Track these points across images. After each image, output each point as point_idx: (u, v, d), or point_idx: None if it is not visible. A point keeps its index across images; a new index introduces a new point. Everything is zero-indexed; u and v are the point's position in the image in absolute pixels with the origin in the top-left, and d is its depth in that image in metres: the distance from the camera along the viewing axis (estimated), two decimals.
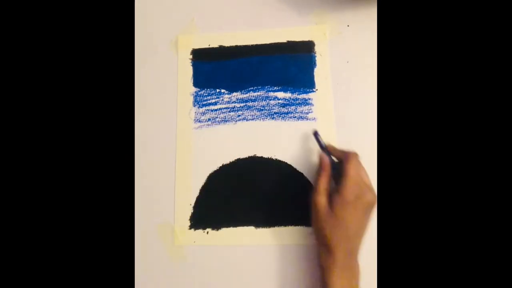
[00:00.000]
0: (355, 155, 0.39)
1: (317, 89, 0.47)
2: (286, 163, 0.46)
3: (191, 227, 0.45)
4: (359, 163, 0.39)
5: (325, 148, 0.42)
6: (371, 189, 0.38)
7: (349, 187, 0.36)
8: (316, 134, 0.42)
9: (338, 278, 0.36)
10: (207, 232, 0.45)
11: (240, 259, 0.43)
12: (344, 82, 0.47)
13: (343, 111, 0.46)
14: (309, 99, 0.47)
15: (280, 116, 0.47)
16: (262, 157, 0.46)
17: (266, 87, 0.48)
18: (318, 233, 0.38)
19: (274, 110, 0.47)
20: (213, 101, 0.48)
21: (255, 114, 0.47)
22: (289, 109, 0.47)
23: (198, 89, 0.49)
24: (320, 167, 0.40)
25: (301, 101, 0.47)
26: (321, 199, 0.38)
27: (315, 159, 0.45)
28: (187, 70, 0.50)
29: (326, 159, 0.40)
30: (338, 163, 0.40)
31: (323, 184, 0.39)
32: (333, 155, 0.41)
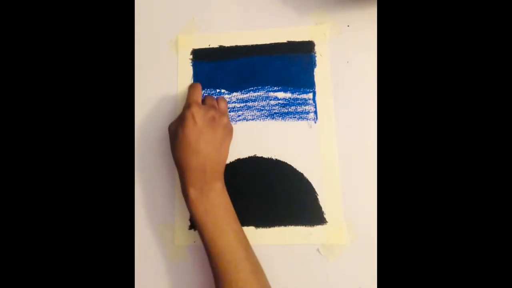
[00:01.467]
0: (194, 85, 0.44)
1: (317, 89, 0.47)
2: (286, 163, 0.46)
3: (191, 227, 0.45)
4: (197, 90, 0.43)
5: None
6: (211, 107, 0.41)
7: (185, 106, 0.40)
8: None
9: (192, 195, 0.38)
10: None
11: None
12: (344, 82, 0.47)
13: (343, 111, 0.46)
14: (309, 99, 0.47)
15: (280, 116, 0.47)
16: (262, 157, 0.46)
17: (266, 87, 0.48)
18: (173, 158, 0.40)
19: (274, 110, 0.47)
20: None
21: (255, 114, 0.47)
22: (289, 109, 0.47)
23: None
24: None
25: (301, 101, 0.47)
26: (172, 126, 0.41)
27: (315, 159, 0.45)
28: (187, 70, 0.50)
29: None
30: None
31: (179, 116, 0.41)
32: None
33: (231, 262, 0.36)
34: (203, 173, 0.38)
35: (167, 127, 0.48)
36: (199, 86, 0.44)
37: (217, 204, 0.38)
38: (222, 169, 0.41)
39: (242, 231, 0.39)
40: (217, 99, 0.45)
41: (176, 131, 0.40)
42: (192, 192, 0.38)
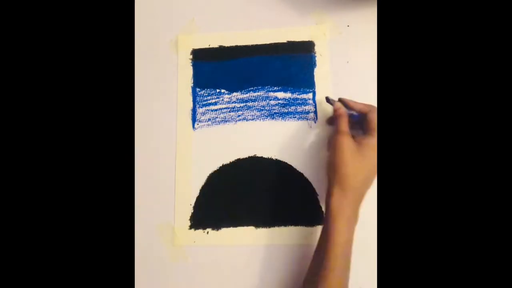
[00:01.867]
0: (375, 108, 0.41)
1: (317, 89, 0.47)
2: (286, 163, 0.46)
3: (191, 227, 0.45)
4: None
5: (342, 100, 0.43)
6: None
7: (373, 133, 0.39)
8: (328, 98, 0.44)
9: (347, 221, 0.37)
10: (207, 232, 0.45)
11: (240, 259, 0.43)
12: (344, 82, 0.47)
13: None
14: (309, 99, 0.47)
15: (280, 116, 0.47)
16: (262, 157, 0.46)
17: (266, 87, 0.48)
18: (338, 172, 0.38)
19: (274, 110, 0.47)
20: (213, 101, 0.48)
21: (255, 114, 0.47)
22: (289, 109, 0.47)
23: (198, 89, 0.49)
24: (335, 114, 0.42)
25: (301, 101, 0.47)
26: (345, 138, 0.39)
27: (315, 159, 0.45)
28: (187, 70, 0.50)
29: (339, 105, 0.42)
30: (360, 115, 0.42)
31: (343, 126, 0.40)
32: (354, 107, 0.42)
33: (345, 256, 0.37)
34: (359, 202, 0.39)
35: (167, 127, 0.48)
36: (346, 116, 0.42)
37: (352, 240, 0.39)
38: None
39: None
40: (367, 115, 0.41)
41: (363, 152, 0.39)
42: (348, 215, 0.38)
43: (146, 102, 0.49)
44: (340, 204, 0.37)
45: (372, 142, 0.39)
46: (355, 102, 0.43)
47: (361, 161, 0.38)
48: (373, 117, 0.40)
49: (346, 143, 0.39)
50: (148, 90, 0.50)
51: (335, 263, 0.36)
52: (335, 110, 0.42)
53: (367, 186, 0.39)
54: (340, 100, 0.43)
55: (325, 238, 0.37)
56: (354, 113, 0.42)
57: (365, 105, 0.42)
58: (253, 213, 0.44)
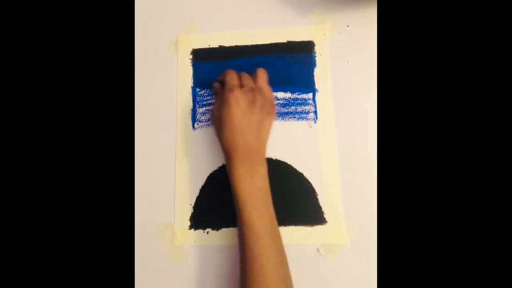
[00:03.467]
0: (229, 71, 0.44)
1: (317, 89, 0.47)
2: (286, 163, 0.46)
3: (191, 227, 0.45)
4: (234, 74, 0.44)
5: (220, 81, 0.46)
6: (251, 89, 0.42)
7: (226, 90, 0.41)
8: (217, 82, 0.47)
9: (239, 176, 0.39)
10: (207, 232, 0.45)
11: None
12: (344, 82, 0.47)
13: (343, 111, 0.46)
14: (309, 99, 0.47)
15: (280, 116, 0.47)
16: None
17: None
18: (220, 140, 0.42)
19: None
20: (213, 101, 0.48)
21: None
22: (289, 109, 0.47)
23: (198, 89, 0.49)
24: (214, 91, 0.47)
25: (301, 101, 0.47)
26: (215, 111, 0.43)
27: (315, 159, 0.45)
28: (187, 70, 0.50)
29: (216, 83, 0.46)
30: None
31: (216, 103, 0.44)
32: (222, 78, 0.45)
33: (263, 248, 0.37)
34: (249, 154, 0.40)
35: (167, 127, 0.48)
36: (234, 72, 0.45)
37: (260, 188, 0.39)
38: (264, 151, 0.42)
39: (276, 220, 0.40)
40: (254, 73, 0.44)
41: (220, 114, 0.41)
42: (240, 171, 0.39)
43: (146, 102, 0.49)
44: (227, 166, 0.40)
45: (222, 101, 0.41)
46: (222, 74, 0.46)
47: (222, 120, 0.41)
48: (226, 78, 0.43)
49: (214, 114, 0.44)
50: (148, 90, 0.50)
51: (257, 256, 0.37)
52: (214, 89, 0.47)
53: (243, 137, 0.40)
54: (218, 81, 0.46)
55: (233, 197, 0.40)
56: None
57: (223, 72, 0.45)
58: None
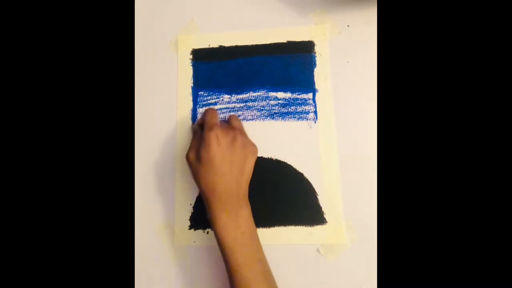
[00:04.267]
0: (209, 109, 0.44)
1: (317, 89, 0.47)
2: (286, 163, 0.46)
3: (191, 227, 0.45)
4: (214, 113, 0.43)
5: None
6: (232, 128, 0.41)
7: (206, 129, 0.39)
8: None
9: (222, 221, 0.37)
10: (207, 232, 0.45)
11: None
12: (344, 82, 0.47)
13: (343, 111, 0.46)
14: (309, 99, 0.47)
15: (280, 116, 0.47)
16: (262, 157, 0.46)
17: (266, 87, 0.48)
18: (197, 185, 0.40)
19: (274, 110, 0.47)
20: (213, 101, 0.48)
21: (255, 114, 0.47)
22: (289, 109, 0.47)
23: (198, 89, 0.49)
24: (192, 132, 0.46)
25: (301, 101, 0.47)
26: (191, 153, 0.40)
27: (315, 159, 0.45)
28: (187, 70, 0.50)
29: (194, 125, 0.46)
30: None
31: (193, 143, 0.42)
32: (200, 122, 0.45)
33: None
34: (230, 197, 0.38)
35: (167, 127, 0.48)
36: (215, 110, 0.44)
37: (246, 232, 0.38)
38: (246, 191, 0.40)
39: (266, 261, 0.38)
40: (228, 119, 0.45)
41: (198, 155, 0.39)
42: (222, 218, 0.37)
43: (146, 102, 0.49)
44: (208, 211, 0.38)
45: (202, 142, 0.39)
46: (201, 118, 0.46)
47: (201, 163, 0.38)
48: (204, 118, 0.43)
49: (191, 156, 0.40)
50: (148, 90, 0.50)
51: (233, 259, 0.36)
52: (192, 130, 0.46)
53: (224, 180, 0.38)
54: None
55: (219, 246, 0.38)
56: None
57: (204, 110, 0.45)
58: (253, 213, 0.44)
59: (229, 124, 0.43)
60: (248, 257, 0.37)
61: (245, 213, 0.39)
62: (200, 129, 0.43)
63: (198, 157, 0.39)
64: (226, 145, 0.38)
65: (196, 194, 0.46)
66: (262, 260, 0.38)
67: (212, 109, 0.44)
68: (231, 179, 0.38)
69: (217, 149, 0.38)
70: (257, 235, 0.39)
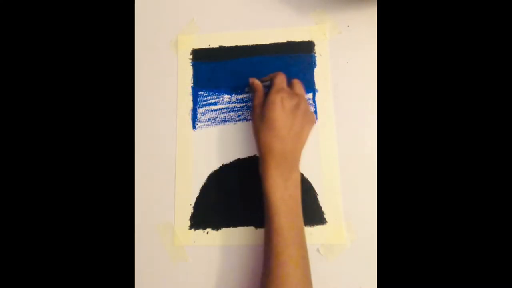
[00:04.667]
0: (279, 73, 0.44)
1: (317, 89, 0.47)
2: None
3: (191, 227, 0.45)
4: (284, 77, 0.43)
5: (257, 80, 0.46)
6: (296, 94, 0.42)
7: (273, 91, 0.41)
8: (249, 85, 0.47)
9: (273, 181, 0.38)
10: (207, 232, 0.45)
11: (240, 259, 0.43)
12: (344, 82, 0.47)
13: (343, 111, 0.46)
14: (309, 99, 0.47)
15: None
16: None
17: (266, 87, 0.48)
18: (256, 141, 0.41)
19: None
20: (213, 101, 0.48)
21: None
22: None
23: (198, 89, 0.49)
24: (253, 88, 0.45)
25: None
26: (256, 109, 0.42)
27: (315, 159, 0.45)
28: (187, 70, 0.50)
29: (256, 81, 0.45)
30: (270, 81, 0.44)
31: (257, 100, 0.43)
32: (265, 79, 0.46)
33: (291, 257, 0.36)
34: (285, 159, 0.39)
35: (167, 127, 0.48)
36: (284, 75, 0.44)
37: (293, 195, 0.39)
38: (299, 157, 0.41)
39: (304, 230, 0.39)
40: (291, 84, 0.44)
41: (262, 113, 0.40)
42: (274, 176, 0.38)
43: (146, 102, 0.49)
44: (261, 168, 0.40)
45: (267, 101, 0.40)
46: (265, 77, 0.46)
47: (264, 122, 0.40)
48: (273, 78, 0.43)
49: (256, 113, 0.42)
50: (148, 90, 0.50)
51: (276, 219, 0.37)
52: (252, 85, 0.46)
53: (285, 141, 0.39)
54: (253, 82, 0.46)
55: (264, 201, 0.39)
56: (266, 84, 0.45)
57: (272, 73, 0.45)
58: (253, 213, 0.44)
59: (293, 90, 0.43)
60: (291, 220, 0.38)
61: (296, 177, 0.40)
62: (263, 87, 0.45)
63: (262, 116, 0.40)
64: (290, 109, 0.40)
65: (196, 194, 0.46)
66: (302, 229, 0.39)
67: (282, 73, 0.43)
68: (289, 142, 0.39)
69: (281, 111, 0.39)
70: (301, 204, 0.40)
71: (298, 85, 0.44)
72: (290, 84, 0.44)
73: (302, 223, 0.39)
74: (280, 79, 0.43)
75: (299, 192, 0.40)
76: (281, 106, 0.39)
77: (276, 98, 0.39)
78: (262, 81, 0.45)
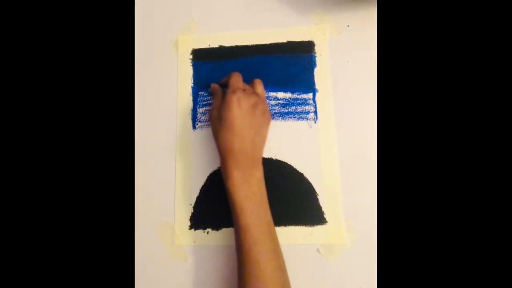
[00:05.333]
0: (235, 73, 0.44)
1: (317, 89, 0.47)
2: (286, 163, 0.46)
3: (191, 227, 0.45)
4: (239, 77, 0.44)
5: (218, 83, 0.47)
6: (254, 93, 0.43)
7: (229, 91, 0.41)
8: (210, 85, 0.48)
9: (236, 181, 0.39)
10: (207, 232, 0.45)
11: None
12: (344, 82, 0.47)
13: (343, 111, 0.46)
14: (309, 99, 0.47)
15: (280, 116, 0.47)
16: (262, 157, 0.46)
17: (266, 87, 0.48)
18: (217, 141, 0.41)
19: (274, 110, 0.47)
20: (211, 101, 0.48)
21: None
22: (289, 109, 0.47)
23: (198, 89, 0.49)
24: (212, 91, 0.47)
25: (301, 101, 0.47)
26: (214, 112, 0.43)
27: (315, 159, 0.45)
28: (187, 70, 0.50)
29: (214, 84, 0.47)
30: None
31: (215, 102, 0.44)
32: (223, 81, 0.46)
33: (260, 252, 0.36)
34: (246, 157, 0.39)
35: (167, 127, 0.48)
36: (240, 74, 0.44)
37: (257, 192, 0.39)
38: (261, 155, 0.42)
39: (273, 224, 0.40)
40: (252, 83, 0.45)
41: (220, 115, 0.41)
42: (235, 175, 0.39)
43: (146, 102, 0.49)
44: (223, 169, 0.40)
45: (224, 102, 0.41)
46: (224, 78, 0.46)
47: (221, 122, 0.40)
48: (229, 79, 0.43)
49: (214, 115, 0.43)
50: (148, 90, 0.50)
51: (243, 218, 0.38)
52: (211, 88, 0.47)
53: (241, 141, 0.39)
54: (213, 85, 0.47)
55: (229, 202, 0.39)
56: (224, 83, 0.45)
57: (228, 74, 0.45)
58: None
59: (252, 88, 0.44)
60: (257, 217, 0.38)
61: (258, 174, 0.40)
62: (221, 89, 0.45)
63: (219, 117, 0.41)
64: (247, 109, 0.40)
65: (196, 194, 0.46)
66: (270, 224, 0.39)
67: (237, 73, 0.44)
68: (248, 141, 0.39)
69: (238, 112, 0.39)
70: (267, 199, 0.40)
71: (259, 85, 0.45)
72: (251, 83, 0.45)
73: (270, 218, 0.39)
74: (235, 79, 0.43)
75: (263, 188, 0.40)
76: (237, 106, 0.40)
77: (233, 98, 0.40)
78: (220, 83, 0.47)
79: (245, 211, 0.38)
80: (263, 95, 0.44)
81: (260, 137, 0.41)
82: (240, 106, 0.40)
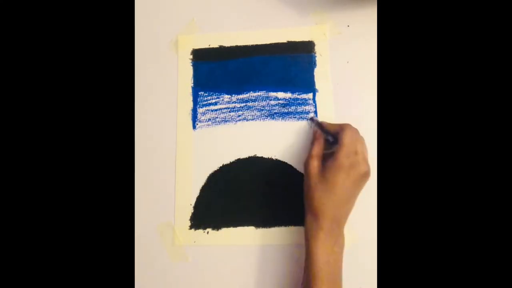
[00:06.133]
0: (350, 126, 0.40)
1: (317, 89, 0.47)
2: (286, 163, 0.46)
3: (191, 227, 0.45)
4: (356, 134, 0.39)
5: (320, 124, 0.43)
6: (365, 160, 0.38)
7: (343, 154, 0.37)
8: (312, 119, 0.45)
9: (322, 244, 0.36)
10: (207, 232, 0.45)
11: (240, 259, 0.43)
12: (344, 82, 0.47)
13: (343, 111, 0.46)
14: (309, 99, 0.47)
15: (280, 116, 0.47)
16: (262, 157, 0.46)
17: (266, 87, 0.48)
18: (307, 198, 0.38)
19: (274, 110, 0.47)
20: (213, 101, 0.48)
21: (255, 114, 0.47)
22: (289, 109, 0.47)
23: (198, 89, 0.49)
24: (313, 136, 0.42)
25: (301, 101, 0.47)
26: (313, 162, 0.39)
27: None
28: (187, 70, 0.50)
29: (318, 130, 0.42)
30: (335, 135, 0.41)
31: (315, 150, 0.40)
32: (330, 129, 0.42)
33: None
34: (337, 225, 0.37)
35: (167, 127, 0.48)
36: (356, 131, 0.40)
37: (337, 260, 0.37)
38: (346, 220, 0.39)
39: None
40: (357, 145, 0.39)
41: (325, 175, 0.37)
42: (323, 240, 0.36)
43: (146, 102, 0.49)
44: (311, 228, 0.37)
45: (332, 165, 0.37)
46: (331, 124, 0.42)
47: (325, 184, 0.37)
48: (342, 137, 0.38)
49: (312, 166, 0.38)
50: (148, 90, 0.50)
51: (319, 284, 0.35)
52: (313, 134, 0.42)
53: (341, 208, 0.37)
54: (317, 123, 0.44)
55: (307, 260, 0.37)
56: (330, 138, 0.41)
57: (339, 124, 0.41)
58: (253, 213, 0.44)
59: (358, 151, 0.38)
60: (334, 285, 0.36)
61: (342, 241, 0.38)
62: (323, 135, 0.41)
63: (324, 176, 0.37)
64: (355, 179, 0.37)
65: (196, 194, 0.46)
66: None
67: (353, 128, 0.39)
68: (343, 210, 0.37)
69: (345, 178, 0.36)
70: (341, 269, 0.38)
71: (362, 146, 0.39)
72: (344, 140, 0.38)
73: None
74: (351, 138, 0.38)
75: (342, 257, 0.38)
76: (347, 173, 0.36)
77: (345, 163, 0.36)
78: (324, 131, 0.42)
79: (323, 278, 0.35)
80: (366, 158, 0.39)
81: (353, 205, 0.38)
82: (349, 174, 0.36)
